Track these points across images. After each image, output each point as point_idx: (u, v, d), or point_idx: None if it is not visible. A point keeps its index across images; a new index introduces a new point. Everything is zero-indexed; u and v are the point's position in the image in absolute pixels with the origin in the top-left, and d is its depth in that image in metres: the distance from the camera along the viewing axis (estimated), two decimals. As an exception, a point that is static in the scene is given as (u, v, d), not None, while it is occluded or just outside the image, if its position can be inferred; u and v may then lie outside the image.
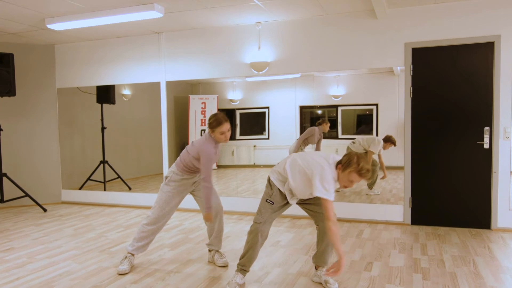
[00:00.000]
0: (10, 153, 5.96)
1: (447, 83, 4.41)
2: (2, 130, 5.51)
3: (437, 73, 4.44)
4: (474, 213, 4.37)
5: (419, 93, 4.50)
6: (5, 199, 5.75)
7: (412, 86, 4.52)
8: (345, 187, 2.64)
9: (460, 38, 4.31)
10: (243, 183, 5.39)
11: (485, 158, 4.32)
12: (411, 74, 4.51)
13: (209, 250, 3.47)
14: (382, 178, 4.73)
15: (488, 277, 3.03)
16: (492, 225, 4.31)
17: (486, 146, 4.30)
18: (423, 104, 4.50)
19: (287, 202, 2.90)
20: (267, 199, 2.84)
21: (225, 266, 3.33)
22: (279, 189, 2.83)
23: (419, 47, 4.46)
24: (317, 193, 2.56)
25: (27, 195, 5.56)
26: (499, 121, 4.23)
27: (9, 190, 5.80)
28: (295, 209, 4.99)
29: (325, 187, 2.56)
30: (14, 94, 5.34)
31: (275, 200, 2.83)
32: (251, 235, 2.83)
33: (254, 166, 5.37)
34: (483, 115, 4.30)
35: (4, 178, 5.77)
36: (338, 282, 2.95)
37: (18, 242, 4.17)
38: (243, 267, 2.90)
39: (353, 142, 4.85)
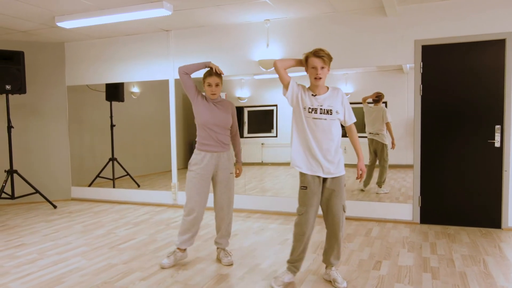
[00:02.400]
0: (20, 150, 6.03)
1: (457, 80, 4.36)
2: (13, 127, 5.56)
3: (447, 71, 4.39)
4: (485, 212, 4.33)
5: (429, 91, 4.46)
6: (16, 195, 5.81)
7: (421, 83, 4.47)
8: (315, 79, 2.71)
9: (471, 35, 4.26)
10: (251, 181, 5.40)
11: (496, 157, 4.27)
12: (421, 71, 4.47)
13: (217, 248, 3.48)
14: (392, 148, 4.67)
15: (499, 276, 3.00)
16: (503, 225, 4.26)
17: (497, 144, 4.25)
18: (432, 102, 4.46)
19: (323, 185, 2.78)
20: (301, 186, 2.78)
21: (229, 265, 3.32)
22: (305, 173, 2.76)
23: (429, 45, 4.42)
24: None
25: (37, 191, 5.62)
26: (511, 119, 4.18)
27: (20, 187, 5.86)
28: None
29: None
30: (24, 92, 5.39)
31: (307, 184, 2.75)
32: (295, 228, 2.80)
33: (262, 164, 5.37)
34: (494, 113, 4.25)
35: (15, 175, 5.83)
36: (347, 280, 2.94)
37: (29, 238, 4.22)
38: (292, 264, 2.89)
39: (377, 133, 4.80)
